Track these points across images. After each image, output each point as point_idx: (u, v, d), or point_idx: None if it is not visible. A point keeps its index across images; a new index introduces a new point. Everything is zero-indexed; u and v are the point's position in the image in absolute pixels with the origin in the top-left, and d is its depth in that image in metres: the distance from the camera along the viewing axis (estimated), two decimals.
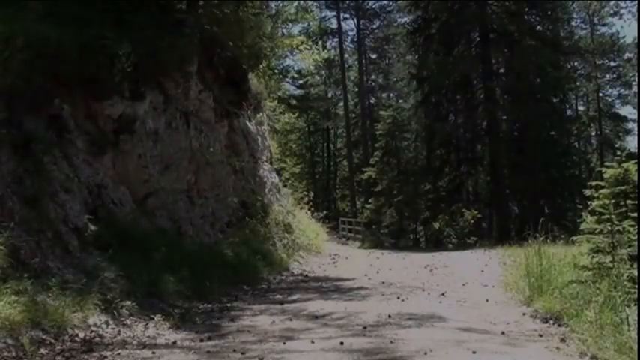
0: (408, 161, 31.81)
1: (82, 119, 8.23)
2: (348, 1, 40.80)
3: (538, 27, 28.79)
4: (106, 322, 5.60)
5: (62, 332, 5.03)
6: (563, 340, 4.72)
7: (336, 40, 40.78)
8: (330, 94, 45.31)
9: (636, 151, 22.58)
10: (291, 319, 6.14)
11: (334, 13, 40.59)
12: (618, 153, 7.15)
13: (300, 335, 5.29)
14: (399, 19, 39.35)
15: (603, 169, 6.97)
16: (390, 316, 6.11)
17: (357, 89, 42.67)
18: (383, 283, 9.44)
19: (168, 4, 11.05)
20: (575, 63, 35.81)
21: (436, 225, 26.95)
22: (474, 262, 12.52)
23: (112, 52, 8.14)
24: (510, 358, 4.32)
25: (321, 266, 12.99)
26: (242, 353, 4.69)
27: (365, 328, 5.51)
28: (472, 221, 25.78)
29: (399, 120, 30.30)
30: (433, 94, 29.45)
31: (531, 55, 26.29)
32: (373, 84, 44.44)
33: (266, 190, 13.92)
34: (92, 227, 7.17)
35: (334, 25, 41.15)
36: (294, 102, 36.58)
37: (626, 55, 37.46)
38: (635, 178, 6.59)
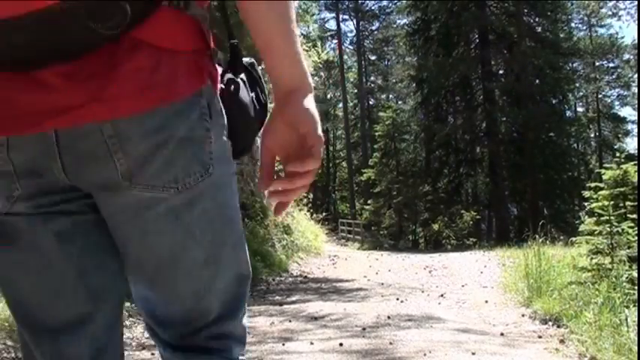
0: (407, 162, 31.89)
1: None
2: (347, 3, 40.84)
3: (537, 28, 28.85)
4: None
5: None
6: (562, 341, 4.72)
7: (335, 41, 40.81)
8: (329, 96, 45.35)
9: (636, 152, 22.63)
10: (290, 321, 6.14)
11: (333, 15, 40.66)
12: (617, 154, 7.16)
13: (299, 336, 5.29)
14: (398, 21, 39.50)
15: (602, 171, 6.98)
16: (389, 317, 6.11)
17: (356, 91, 42.72)
18: (382, 284, 9.44)
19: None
20: (575, 64, 35.89)
21: (435, 226, 27.00)
22: (473, 264, 12.53)
23: None
24: None
25: (320, 267, 13.00)
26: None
27: (364, 329, 5.51)
28: (471, 222, 25.84)
29: (398, 121, 30.40)
30: (432, 96, 29.53)
31: (530, 57, 26.35)
32: (372, 85, 44.50)
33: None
34: None
35: (333, 27, 41.20)
36: None
37: (626, 56, 37.53)
38: (635, 180, 6.60)
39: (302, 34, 27.24)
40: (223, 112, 0.98)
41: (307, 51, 15.55)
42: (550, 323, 5.48)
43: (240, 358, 1.15)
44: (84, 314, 0.99)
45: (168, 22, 0.88)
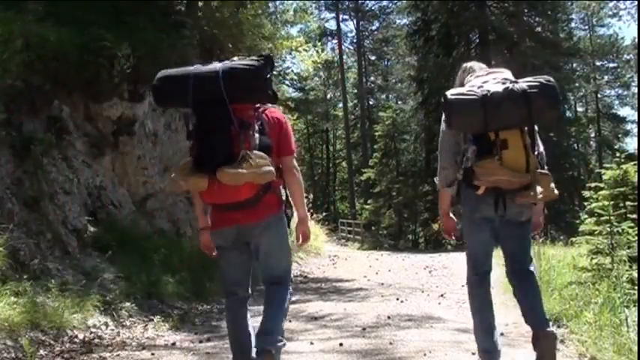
0: (408, 162, 31.89)
1: (82, 121, 8.23)
2: (347, 3, 40.80)
3: (537, 28, 28.84)
4: (106, 324, 5.60)
5: (62, 334, 5.03)
6: (562, 341, 4.72)
7: (335, 41, 40.78)
8: (329, 96, 45.35)
9: (635, 152, 22.59)
10: (290, 321, 6.13)
11: (333, 15, 40.63)
12: (617, 154, 7.16)
13: (299, 336, 5.29)
14: (398, 21, 39.47)
15: (602, 171, 6.97)
16: (389, 317, 6.11)
17: (356, 91, 42.69)
18: (382, 284, 9.45)
19: (168, 5, 11.05)
20: (575, 64, 35.84)
21: (435, 226, 26.93)
22: None
23: (112, 53, 8.14)
24: None
25: (320, 267, 13.01)
26: None
27: (364, 329, 5.51)
28: None
29: (398, 121, 30.38)
30: (433, 96, 29.44)
31: (530, 57, 26.32)
32: (372, 85, 44.49)
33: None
34: (91, 229, 7.17)
35: (333, 27, 41.18)
36: (293, 104, 36.61)
37: (625, 57, 37.51)
38: (635, 180, 6.60)
39: (301, 32, 27.23)
40: (284, 216, 3.37)
41: (307, 50, 15.56)
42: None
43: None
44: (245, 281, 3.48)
45: (271, 195, 3.26)
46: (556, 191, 3.58)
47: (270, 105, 3.40)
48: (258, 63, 3.19)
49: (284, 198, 3.37)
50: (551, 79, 3.55)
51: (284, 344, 3.33)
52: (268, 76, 3.22)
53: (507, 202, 3.56)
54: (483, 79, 3.66)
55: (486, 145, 3.48)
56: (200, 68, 3.24)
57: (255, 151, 3.10)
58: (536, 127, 3.61)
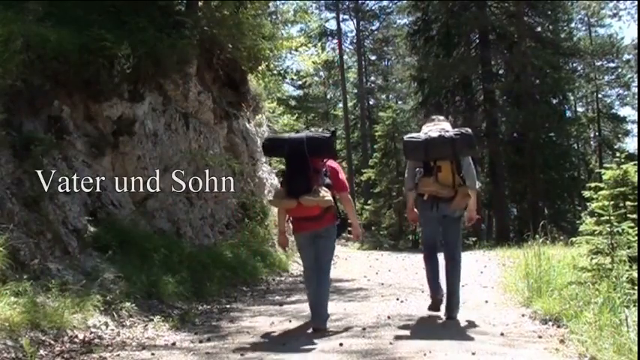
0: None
1: (82, 121, 8.23)
2: (347, 3, 40.73)
3: (537, 28, 28.80)
4: (106, 324, 5.60)
5: (62, 334, 5.03)
6: (562, 341, 4.72)
7: (335, 41, 40.71)
8: (329, 96, 45.29)
9: (635, 152, 22.62)
10: (290, 321, 6.15)
11: (333, 15, 40.56)
12: (617, 154, 7.16)
13: (299, 336, 5.29)
14: (398, 21, 39.34)
15: (602, 171, 6.97)
16: (389, 317, 6.12)
17: (356, 90, 42.64)
18: (382, 284, 9.45)
19: (168, 5, 11.04)
20: (575, 64, 35.79)
21: None
22: (473, 264, 12.51)
23: (112, 53, 8.14)
24: None
25: None
26: (241, 354, 4.69)
27: (364, 329, 5.51)
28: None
29: (398, 121, 30.29)
30: (433, 96, 29.43)
31: (530, 57, 26.30)
32: (372, 85, 44.40)
33: (265, 191, 13.91)
34: (91, 229, 7.17)
35: (333, 27, 41.11)
36: (293, 103, 36.56)
37: (625, 57, 37.45)
38: (635, 180, 6.60)
39: (301, 32, 27.19)
40: (336, 227, 5.68)
41: (307, 50, 15.57)
42: (550, 323, 5.48)
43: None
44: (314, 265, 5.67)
45: (329, 213, 5.55)
46: (469, 199, 5.73)
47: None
48: (329, 135, 5.60)
49: (340, 214, 5.69)
50: (469, 130, 5.69)
51: (329, 316, 5.59)
52: (333, 143, 5.60)
53: (440, 205, 5.66)
54: (429, 127, 5.79)
55: (428, 169, 5.66)
56: (292, 135, 5.87)
57: (323, 187, 5.31)
58: (470, 159, 5.67)
